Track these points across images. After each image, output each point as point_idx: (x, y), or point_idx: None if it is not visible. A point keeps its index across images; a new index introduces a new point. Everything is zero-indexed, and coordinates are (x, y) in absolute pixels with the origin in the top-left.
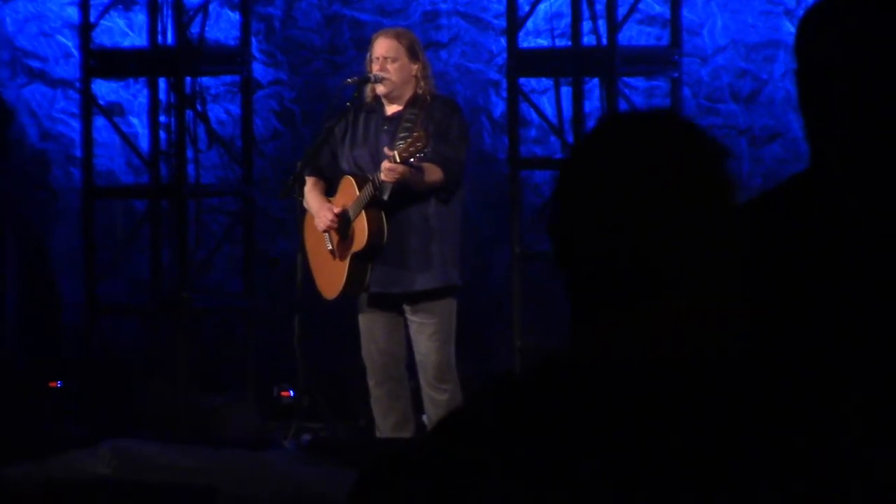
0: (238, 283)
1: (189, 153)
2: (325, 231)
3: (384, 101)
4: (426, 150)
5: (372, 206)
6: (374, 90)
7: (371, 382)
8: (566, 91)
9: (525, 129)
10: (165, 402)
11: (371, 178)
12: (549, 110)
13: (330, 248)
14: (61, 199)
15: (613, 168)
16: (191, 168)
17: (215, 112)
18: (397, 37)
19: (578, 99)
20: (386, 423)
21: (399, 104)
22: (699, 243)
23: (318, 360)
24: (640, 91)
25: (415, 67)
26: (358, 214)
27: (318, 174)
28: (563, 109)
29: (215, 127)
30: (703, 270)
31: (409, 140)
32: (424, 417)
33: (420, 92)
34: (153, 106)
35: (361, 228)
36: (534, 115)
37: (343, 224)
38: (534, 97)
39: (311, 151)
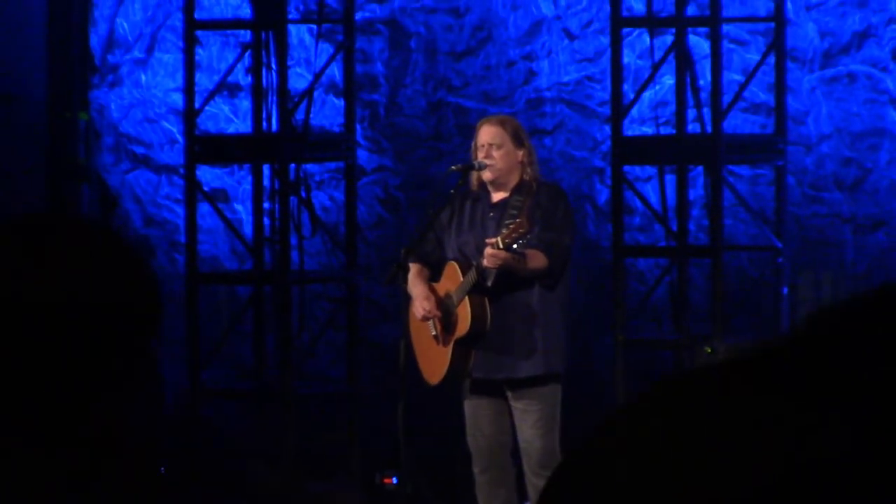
0: (341, 368)
1: (293, 240)
2: (423, 319)
3: (490, 187)
4: (528, 235)
5: (475, 292)
6: (479, 178)
7: (476, 469)
8: (670, 179)
9: (629, 217)
10: (269, 488)
11: (474, 263)
12: (653, 198)
13: (434, 333)
14: (165, 284)
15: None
16: (294, 254)
17: (319, 198)
18: (502, 123)
19: (683, 186)
20: None
21: (505, 191)
22: None
23: (421, 446)
24: (744, 179)
25: (520, 154)
26: (461, 300)
27: (423, 261)
28: (668, 197)
29: (319, 213)
30: None
31: (511, 226)
32: None
33: (526, 178)
34: (257, 192)
35: (465, 314)
36: (638, 203)
37: (446, 310)
38: (638, 185)
39: (415, 240)
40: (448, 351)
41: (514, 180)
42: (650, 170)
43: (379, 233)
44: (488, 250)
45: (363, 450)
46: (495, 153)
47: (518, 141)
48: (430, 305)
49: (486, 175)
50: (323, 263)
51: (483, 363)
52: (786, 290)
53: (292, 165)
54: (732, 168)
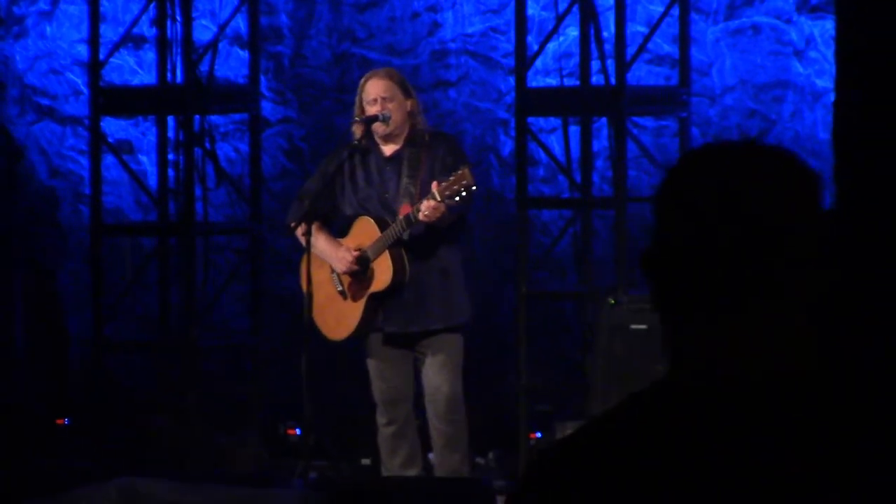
0: (245, 321)
1: (197, 191)
2: (345, 272)
3: (379, 140)
4: (472, 188)
5: (393, 245)
6: (363, 130)
7: (382, 420)
8: (574, 130)
9: (533, 169)
10: (173, 439)
11: (401, 218)
12: (558, 149)
13: (340, 288)
14: (70, 236)
15: (710, 189)
16: (199, 206)
17: (224, 150)
18: (389, 76)
19: (587, 138)
20: (393, 462)
21: (396, 143)
22: (792, 257)
23: (324, 398)
24: (648, 130)
25: (409, 104)
26: (380, 254)
27: (317, 216)
28: (572, 148)
29: (224, 165)
30: (795, 284)
31: (452, 179)
32: (431, 456)
33: (416, 129)
34: (162, 144)
35: (384, 268)
36: (542, 155)
37: (360, 265)
38: (542, 136)
39: (305, 193)
40: (359, 306)
41: (405, 132)
42: (554, 121)
43: (283, 184)
44: (428, 203)
45: (266, 401)
46: (389, 106)
47: (406, 92)
48: (351, 257)
49: (382, 128)
50: (227, 215)
51: (396, 317)
52: None
53: (197, 117)
54: (636, 119)
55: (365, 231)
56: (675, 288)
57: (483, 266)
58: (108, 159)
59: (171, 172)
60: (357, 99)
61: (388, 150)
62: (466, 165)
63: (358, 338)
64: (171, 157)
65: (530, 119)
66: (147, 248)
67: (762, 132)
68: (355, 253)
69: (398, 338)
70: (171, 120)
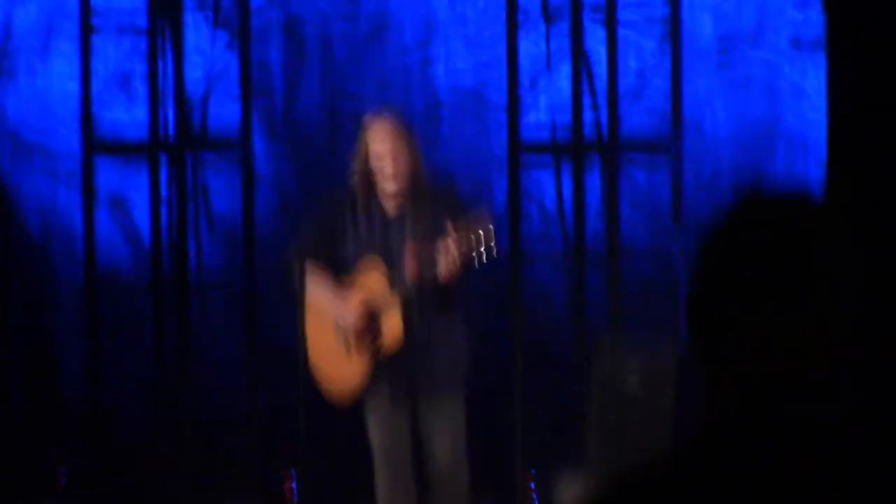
0: (241, 373)
1: (191, 245)
2: (352, 329)
3: (383, 195)
4: (492, 242)
5: (403, 301)
6: (368, 181)
7: (380, 482)
8: (567, 180)
9: (526, 222)
10: (171, 499)
11: (407, 273)
12: (551, 202)
13: (343, 341)
14: (63, 289)
15: (761, 236)
16: (193, 261)
17: (217, 204)
18: (397, 127)
19: (580, 189)
20: None
21: (397, 199)
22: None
23: (323, 446)
24: (641, 179)
25: (416, 159)
26: (389, 310)
27: (320, 269)
28: (565, 201)
29: (216, 215)
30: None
31: (470, 235)
32: None
33: (420, 181)
34: (154, 196)
35: (393, 324)
36: (535, 207)
37: (368, 319)
38: (534, 188)
39: (307, 245)
40: (363, 360)
41: (409, 184)
42: (547, 171)
43: (278, 237)
44: (445, 262)
45: (265, 452)
46: (399, 162)
47: (413, 144)
48: (356, 312)
49: (391, 187)
50: (221, 265)
51: (399, 373)
52: (683, 293)
53: (189, 169)
54: (629, 169)
55: (372, 285)
56: (719, 334)
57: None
58: (102, 213)
59: (164, 226)
60: (360, 146)
61: (391, 206)
62: (486, 220)
63: (359, 391)
64: (164, 211)
65: (522, 172)
66: (141, 303)
67: (755, 182)
68: (363, 308)
69: (400, 393)
70: (163, 171)
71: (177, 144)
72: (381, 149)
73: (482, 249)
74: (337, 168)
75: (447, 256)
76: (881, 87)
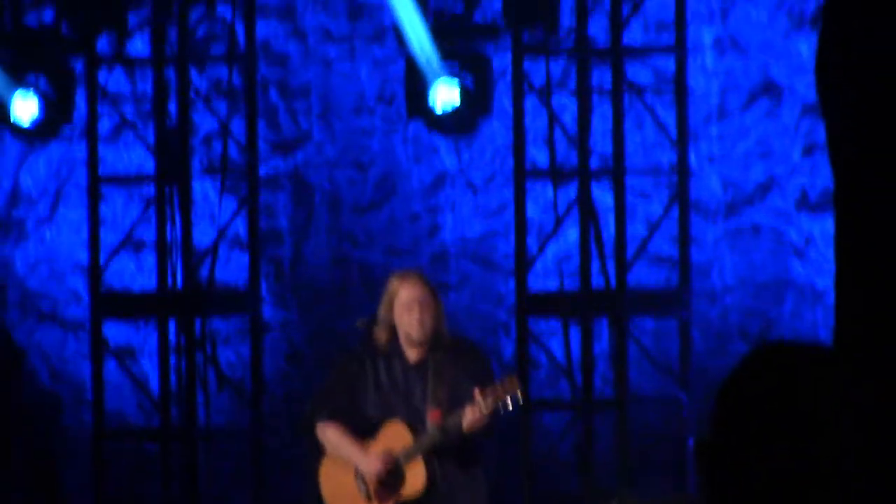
0: None
1: (199, 395)
2: (375, 476)
3: (404, 345)
4: (519, 398)
5: (427, 452)
6: (389, 333)
7: None
8: (575, 331)
9: (535, 371)
10: None
11: (441, 424)
12: (559, 352)
13: (364, 491)
14: (73, 440)
15: (774, 390)
16: (201, 411)
17: (225, 354)
18: (424, 280)
19: (588, 340)
20: None
21: (422, 348)
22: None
23: None
24: (648, 332)
25: (440, 310)
26: (412, 459)
27: (340, 418)
28: (573, 350)
29: (225, 369)
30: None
31: (500, 388)
32: None
33: (442, 334)
34: (163, 348)
35: (417, 473)
36: (543, 357)
37: (390, 468)
38: (543, 339)
39: (325, 394)
40: None
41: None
42: (555, 323)
43: (285, 388)
44: (473, 413)
45: None
46: (426, 313)
47: (437, 297)
48: (381, 462)
49: (418, 335)
50: (230, 420)
51: None
52: (691, 443)
53: (198, 321)
54: (637, 321)
55: (395, 436)
56: (730, 479)
57: (487, 469)
58: (110, 363)
59: (173, 377)
60: (385, 299)
61: (413, 355)
62: (513, 374)
63: None
64: (172, 361)
65: (531, 322)
66: (149, 453)
67: (762, 331)
68: (385, 457)
69: None
70: (172, 324)
71: (185, 297)
72: (411, 299)
73: (509, 403)
74: (344, 320)
75: (474, 410)
76: (889, 241)
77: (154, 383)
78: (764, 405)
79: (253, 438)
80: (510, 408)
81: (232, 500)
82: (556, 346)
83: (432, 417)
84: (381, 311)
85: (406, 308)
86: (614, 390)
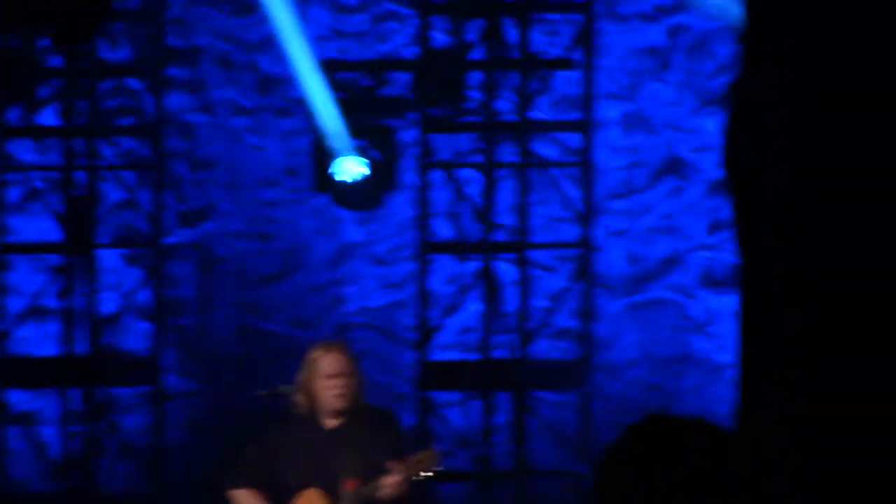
0: None
1: (103, 462)
2: None
3: (323, 414)
4: (438, 467)
5: None
6: (309, 402)
7: None
8: (476, 404)
9: (435, 443)
10: None
11: (347, 493)
12: (460, 423)
13: None
14: None
15: (655, 462)
16: (103, 477)
17: (127, 422)
18: (346, 351)
19: (488, 412)
20: None
21: (342, 417)
22: None
23: None
24: (550, 405)
25: (360, 380)
26: None
27: (252, 486)
28: (473, 422)
29: (127, 437)
30: None
31: (419, 458)
32: None
33: (361, 404)
34: (65, 415)
35: None
36: (443, 429)
37: None
38: (444, 410)
39: (240, 460)
40: None
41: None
42: (456, 395)
43: (187, 457)
44: (392, 480)
45: None
46: (348, 384)
47: (360, 368)
48: None
49: (340, 405)
50: (131, 487)
51: None
52: None
53: (101, 388)
54: (539, 393)
55: (311, 500)
56: None
57: None
58: (12, 430)
59: (75, 443)
60: (307, 368)
61: (331, 423)
62: (431, 448)
63: None
64: (75, 428)
65: (432, 393)
66: None
67: (664, 406)
68: None
69: None
70: (75, 391)
71: (88, 364)
72: (334, 369)
73: (424, 475)
74: (248, 388)
75: (390, 480)
76: (793, 315)
77: (56, 448)
78: (641, 474)
79: None
80: (426, 480)
81: None
82: (457, 418)
83: (348, 486)
84: (303, 380)
85: (328, 378)
86: (514, 462)
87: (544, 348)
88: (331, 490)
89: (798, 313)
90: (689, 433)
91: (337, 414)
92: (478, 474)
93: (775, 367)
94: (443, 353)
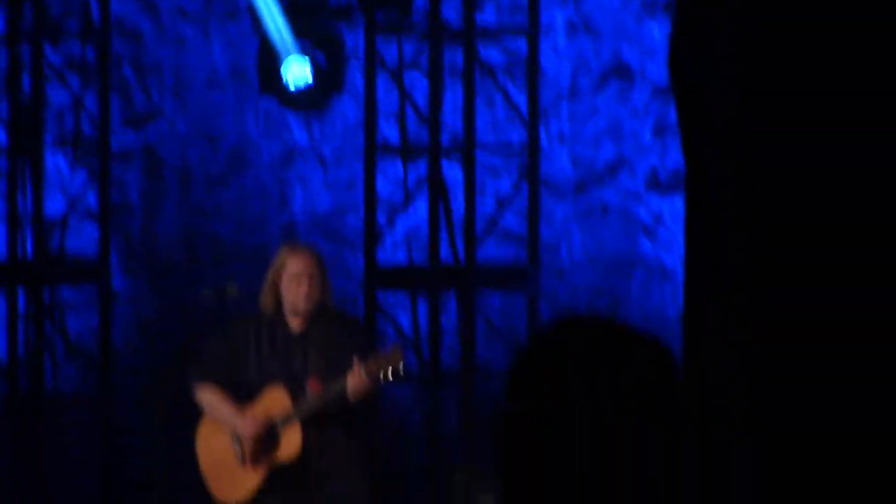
0: (97, 497)
1: (47, 364)
2: (251, 437)
3: (288, 315)
4: (399, 368)
5: (305, 418)
6: (274, 302)
7: None
8: (423, 305)
9: (383, 344)
10: None
11: (311, 392)
12: (407, 325)
13: (239, 454)
14: None
15: (567, 367)
16: (48, 378)
17: (74, 323)
18: (314, 254)
19: (435, 314)
20: None
21: (306, 319)
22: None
23: None
24: (496, 307)
25: (326, 283)
26: (290, 425)
27: (218, 380)
28: (421, 324)
29: (74, 338)
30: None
31: (381, 358)
32: None
33: (326, 306)
34: (11, 317)
35: (293, 439)
36: (391, 330)
37: (266, 432)
38: (391, 312)
39: (205, 357)
40: (259, 473)
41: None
42: (403, 297)
43: (134, 358)
44: (357, 379)
45: None
46: (314, 286)
47: (325, 271)
48: (257, 423)
49: (304, 307)
50: (77, 387)
51: (294, 493)
52: None
53: (47, 289)
54: (485, 295)
55: (275, 400)
56: (525, 460)
57: None
58: None
59: (21, 345)
60: (273, 269)
61: (296, 324)
62: (397, 346)
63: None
64: (21, 329)
65: (379, 295)
66: None
67: (611, 308)
68: (262, 419)
69: None
70: (21, 292)
71: (34, 266)
72: (299, 271)
73: (390, 373)
74: (194, 291)
75: (355, 378)
76: (740, 248)
77: (2, 350)
78: (556, 377)
79: (101, 407)
80: (391, 378)
81: (78, 469)
82: (405, 320)
83: (312, 386)
84: (269, 280)
85: (294, 280)
86: (461, 364)
87: (491, 251)
88: (295, 390)
89: (746, 239)
90: (636, 342)
91: (302, 314)
92: (424, 376)
93: (723, 293)
94: (390, 255)
